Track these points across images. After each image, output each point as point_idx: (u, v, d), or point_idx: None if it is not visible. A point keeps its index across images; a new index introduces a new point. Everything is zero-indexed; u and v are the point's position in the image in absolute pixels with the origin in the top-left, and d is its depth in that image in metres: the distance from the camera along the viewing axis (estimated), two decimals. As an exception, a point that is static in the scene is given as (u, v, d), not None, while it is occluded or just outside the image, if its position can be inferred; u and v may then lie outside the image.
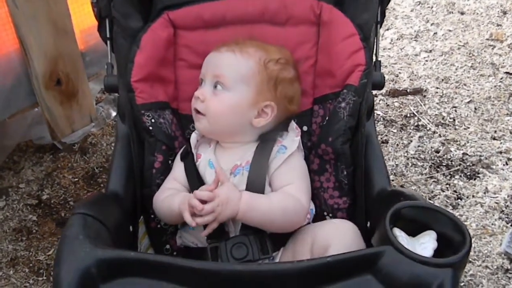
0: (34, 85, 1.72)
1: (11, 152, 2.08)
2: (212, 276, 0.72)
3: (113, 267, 0.72)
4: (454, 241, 0.80)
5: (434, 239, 0.81)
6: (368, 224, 1.05)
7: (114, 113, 2.21)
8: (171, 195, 1.11)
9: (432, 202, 1.93)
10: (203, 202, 0.99)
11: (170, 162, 1.20)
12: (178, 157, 1.20)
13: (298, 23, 1.26)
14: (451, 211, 1.88)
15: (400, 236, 0.80)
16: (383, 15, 1.22)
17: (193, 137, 1.20)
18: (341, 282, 0.72)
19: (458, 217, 1.85)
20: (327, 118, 1.22)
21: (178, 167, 1.17)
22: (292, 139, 1.16)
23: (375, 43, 1.22)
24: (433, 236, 0.82)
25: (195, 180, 1.12)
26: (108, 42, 1.20)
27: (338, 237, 1.01)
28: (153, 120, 1.16)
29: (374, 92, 1.21)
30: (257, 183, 1.07)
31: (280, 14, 1.25)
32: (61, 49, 1.73)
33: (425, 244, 0.80)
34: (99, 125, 2.16)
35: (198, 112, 1.15)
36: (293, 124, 1.20)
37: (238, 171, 1.11)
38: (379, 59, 1.23)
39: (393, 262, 0.73)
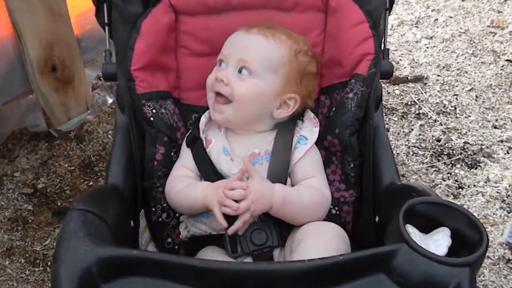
0: (28, 72, 1.67)
1: (5, 140, 2.03)
2: (219, 275, 0.69)
3: (114, 266, 0.69)
4: (468, 238, 0.78)
5: (448, 236, 0.79)
6: (377, 219, 1.02)
7: (110, 100, 2.16)
8: (188, 186, 1.08)
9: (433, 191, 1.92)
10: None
11: (172, 154, 1.16)
12: (184, 143, 1.16)
13: (305, 9, 1.21)
14: (452, 201, 1.88)
15: (413, 233, 0.78)
16: (392, 1, 1.18)
17: (203, 122, 1.16)
18: (353, 282, 0.70)
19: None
20: (333, 109, 1.18)
21: (186, 154, 1.13)
22: (311, 130, 1.14)
23: (384, 31, 1.18)
24: (446, 232, 0.79)
25: (207, 167, 1.09)
26: (107, 28, 1.14)
27: (316, 232, 1.00)
28: (154, 111, 1.12)
29: (386, 79, 1.17)
30: (279, 174, 1.06)
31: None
32: (56, 35, 1.67)
33: (439, 241, 0.77)
34: (95, 112, 2.12)
35: (220, 96, 1.09)
36: (310, 114, 1.18)
37: (257, 160, 1.08)
38: (387, 46, 1.19)
39: (408, 261, 0.71)
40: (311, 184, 1.08)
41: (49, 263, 1.66)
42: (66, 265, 0.67)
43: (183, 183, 1.09)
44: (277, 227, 1.06)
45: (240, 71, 1.08)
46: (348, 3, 1.17)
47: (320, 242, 0.97)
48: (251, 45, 1.09)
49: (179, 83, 1.22)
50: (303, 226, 1.04)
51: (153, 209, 1.13)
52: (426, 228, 0.82)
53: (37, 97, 1.75)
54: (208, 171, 1.08)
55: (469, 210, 1.82)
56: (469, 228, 0.77)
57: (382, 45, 1.18)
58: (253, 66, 1.08)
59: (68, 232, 0.73)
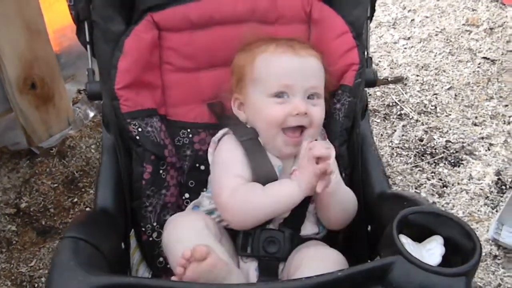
0: (7, 90, 1.63)
1: (-15, 159, 1.98)
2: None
3: (110, 295, 0.68)
4: (461, 246, 0.79)
5: (441, 245, 0.80)
6: (369, 228, 1.03)
7: (92, 114, 2.13)
8: (268, 188, 1.03)
9: (418, 191, 1.94)
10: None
11: (161, 171, 1.14)
12: (228, 143, 1.11)
13: (288, 21, 1.22)
14: (437, 200, 1.91)
15: (407, 243, 0.78)
16: (373, 10, 1.19)
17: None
18: (352, 297, 0.70)
19: (445, 205, 1.89)
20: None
21: (233, 164, 1.08)
22: (326, 141, 1.15)
23: (366, 39, 1.19)
24: (440, 241, 0.80)
25: (267, 164, 1.07)
26: (88, 46, 1.13)
27: (312, 259, 0.99)
28: (140, 129, 1.10)
29: (371, 87, 1.18)
30: None
31: (270, 12, 1.21)
32: (35, 52, 1.65)
33: (432, 250, 0.78)
34: (77, 127, 2.08)
35: (296, 129, 1.07)
36: None
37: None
38: (370, 54, 1.20)
39: (404, 273, 0.72)
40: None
41: (36, 285, 1.62)
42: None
43: (257, 188, 1.04)
44: (291, 242, 1.06)
45: (310, 97, 1.08)
46: (330, 14, 1.18)
47: (318, 266, 0.94)
48: (311, 70, 1.09)
49: (165, 99, 1.21)
50: (303, 250, 1.04)
51: (143, 228, 1.11)
52: (419, 237, 0.83)
53: (16, 115, 1.71)
54: (267, 165, 1.06)
55: (455, 208, 1.88)
56: (461, 236, 0.78)
57: (365, 54, 1.19)
58: (321, 89, 1.09)
59: (59, 262, 0.71)
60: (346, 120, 1.14)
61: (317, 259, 0.99)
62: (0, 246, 1.73)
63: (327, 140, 1.16)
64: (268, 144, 1.10)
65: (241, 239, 1.05)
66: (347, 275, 0.71)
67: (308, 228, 1.09)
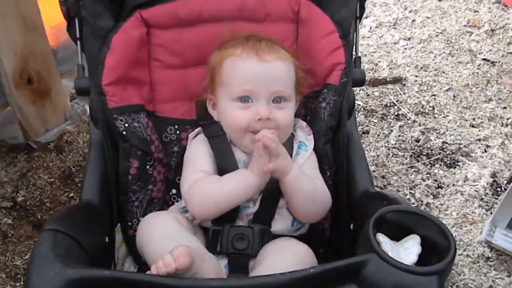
0: (3, 85, 1.65)
1: (-17, 153, 2.00)
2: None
3: (86, 287, 0.69)
4: (438, 245, 0.79)
5: (418, 244, 0.80)
6: (352, 226, 1.04)
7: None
8: (226, 178, 1.06)
9: (413, 192, 1.94)
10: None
11: (148, 167, 1.15)
12: (197, 141, 1.15)
13: (276, 20, 1.22)
14: (432, 200, 1.91)
15: (384, 241, 0.79)
16: (362, 10, 1.20)
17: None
18: (326, 293, 0.71)
19: (439, 206, 1.89)
20: (308, 118, 1.19)
21: (200, 159, 1.12)
22: (306, 137, 1.17)
23: (354, 39, 1.19)
24: (417, 240, 0.81)
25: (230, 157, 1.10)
26: (78, 42, 1.14)
27: (278, 252, 1.01)
28: (126, 125, 1.11)
29: (359, 87, 1.19)
30: None
31: (258, 11, 1.21)
32: (31, 47, 1.66)
33: (409, 249, 0.79)
34: (75, 122, 2.09)
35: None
36: (302, 122, 1.19)
37: None
38: (359, 54, 1.20)
39: (378, 271, 0.72)
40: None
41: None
42: (36, 288, 0.66)
43: (214, 179, 1.08)
44: (261, 237, 1.07)
45: (275, 101, 1.09)
46: (318, 14, 1.19)
47: (283, 259, 0.99)
48: (275, 74, 1.09)
49: (153, 96, 1.22)
50: (270, 244, 1.06)
51: (129, 223, 1.13)
52: (398, 236, 0.84)
53: (13, 110, 1.73)
54: (231, 160, 1.09)
55: (449, 209, 1.87)
56: (438, 236, 0.79)
57: (354, 54, 1.20)
58: (287, 92, 1.10)
59: (38, 254, 0.72)
60: (331, 119, 1.14)
61: (283, 251, 1.01)
62: (-4, 239, 1.75)
63: (312, 136, 1.16)
64: (236, 143, 1.13)
65: (211, 237, 1.07)
66: (320, 271, 0.72)
67: (280, 223, 1.10)
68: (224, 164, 1.10)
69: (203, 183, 1.07)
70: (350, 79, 1.14)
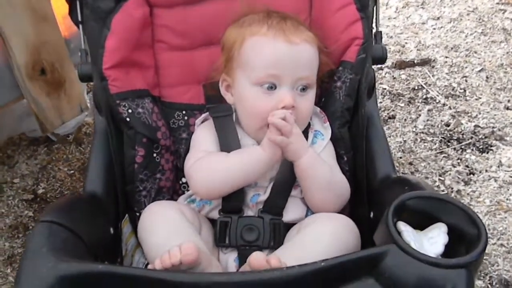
0: (17, 77, 1.63)
1: (5, 146, 2.02)
2: None
3: (80, 283, 0.64)
4: (467, 234, 0.71)
5: (444, 233, 0.72)
6: (371, 214, 0.96)
7: (108, 101, 2.13)
8: (232, 154, 1.01)
9: (442, 178, 1.84)
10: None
11: (155, 155, 1.10)
12: (204, 125, 1.10)
13: None
14: (463, 187, 1.80)
15: (406, 231, 0.71)
16: (382, -20, 1.10)
17: None
18: (339, 288, 0.64)
19: (471, 193, 1.78)
20: (323, 100, 1.11)
21: (204, 140, 1.07)
22: (322, 125, 1.10)
23: (374, 12, 1.10)
24: (443, 229, 0.72)
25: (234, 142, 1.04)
26: (80, 26, 1.10)
27: (326, 218, 0.96)
28: (130, 111, 1.06)
29: (379, 65, 1.09)
30: None
31: None
32: (42, 37, 1.63)
33: (434, 239, 0.71)
34: (93, 114, 2.08)
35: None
36: (316, 108, 1.11)
37: None
38: (379, 29, 1.11)
39: (398, 264, 0.64)
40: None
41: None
42: (27, 285, 0.62)
43: (221, 154, 1.02)
44: (273, 228, 1.01)
45: (299, 89, 1.02)
46: (333, -16, 1.10)
47: (329, 227, 0.93)
48: (304, 58, 1.01)
49: (158, 80, 1.16)
50: (311, 216, 1.00)
51: (138, 214, 1.08)
52: (422, 224, 0.75)
53: (28, 102, 1.72)
54: (234, 141, 1.03)
55: (481, 196, 1.77)
56: (466, 223, 0.70)
57: (374, 28, 1.10)
58: (312, 79, 1.03)
59: (31, 248, 0.68)
60: (348, 99, 1.06)
61: (328, 219, 0.96)
62: (17, 231, 1.76)
63: (328, 123, 1.09)
64: (250, 131, 1.06)
65: (218, 229, 1.01)
66: (333, 264, 0.65)
67: (292, 213, 1.04)
68: (227, 145, 1.03)
69: (208, 158, 1.01)
70: (369, 56, 1.05)
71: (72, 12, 1.10)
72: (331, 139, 1.09)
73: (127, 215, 1.07)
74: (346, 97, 1.06)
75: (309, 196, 1.02)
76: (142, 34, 1.10)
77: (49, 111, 1.77)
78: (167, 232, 0.91)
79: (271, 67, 0.99)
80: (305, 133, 1.06)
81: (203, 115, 1.13)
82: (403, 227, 0.72)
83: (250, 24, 1.04)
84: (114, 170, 1.03)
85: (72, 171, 1.96)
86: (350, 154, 1.08)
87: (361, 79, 1.04)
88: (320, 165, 1.00)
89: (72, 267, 0.64)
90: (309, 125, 1.09)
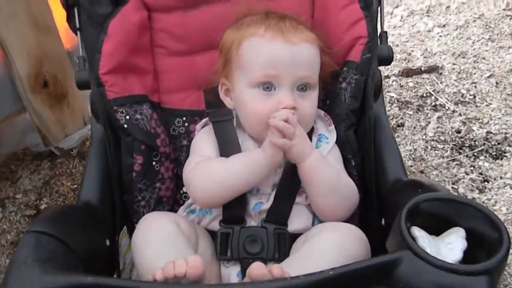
0: (19, 89, 1.62)
1: (8, 161, 2.00)
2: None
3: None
4: (487, 239, 0.65)
5: (462, 238, 0.67)
6: (383, 221, 0.90)
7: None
8: (233, 158, 0.97)
9: (456, 187, 1.78)
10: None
11: (154, 163, 1.06)
12: (204, 130, 1.07)
13: None
14: (477, 195, 1.74)
15: (421, 236, 0.66)
16: (386, -21, 1.07)
17: None
18: (350, 299, 0.58)
19: (486, 201, 1.72)
20: (327, 102, 1.07)
21: (205, 145, 1.03)
22: (327, 128, 1.06)
23: (378, 13, 1.06)
24: (461, 234, 0.67)
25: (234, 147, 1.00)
26: (78, 33, 1.07)
27: (332, 227, 0.90)
28: (128, 117, 1.02)
29: (386, 72, 1.05)
30: None
31: None
32: (44, 49, 1.62)
33: (452, 245, 0.65)
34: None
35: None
36: (320, 111, 1.07)
37: (283, 163, 1.00)
38: (384, 30, 1.07)
39: (413, 271, 0.59)
40: None
41: None
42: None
43: (220, 159, 0.99)
44: (277, 238, 0.96)
45: (300, 89, 0.98)
46: (335, -17, 1.07)
47: (336, 238, 0.87)
48: (303, 58, 0.97)
49: (158, 85, 1.13)
50: (317, 225, 0.95)
51: (136, 225, 1.03)
52: (437, 229, 0.70)
53: (30, 115, 1.70)
54: (234, 147, 0.99)
55: (497, 204, 1.70)
56: (486, 227, 0.65)
57: (379, 29, 1.07)
58: (313, 79, 0.99)
59: (16, 259, 0.64)
60: (353, 101, 1.02)
61: (335, 228, 0.90)
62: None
63: (333, 126, 1.05)
64: (253, 136, 1.02)
65: (219, 241, 0.96)
66: (342, 273, 0.60)
67: (298, 221, 0.98)
68: (227, 150, 0.99)
69: (207, 163, 0.97)
70: (375, 56, 1.01)
71: (70, 19, 1.08)
72: (337, 142, 1.05)
73: (125, 227, 1.03)
74: (352, 98, 1.02)
75: (315, 201, 0.97)
76: (140, 38, 1.08)
77: (52, 124, 1.75)
78: (159, 245, 0.86)
79: (269, 67, 0.96)
80: (309, 137, 1.01)
81: (204, 120, 1.09)
82: (417, 232, 0.67)
83: (248, 25, 1.01)
84: (111, 179, 0.98)
85: (75, 186, 1.94)
86: (357, 158, 1.03)
87: (367, 79, 1.00)
88: (326, 166, 0.95)
89: (58, 279, 0.60)
90: (313, 128, 1.05)
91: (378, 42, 1.06)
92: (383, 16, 1.06)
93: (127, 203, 1.04)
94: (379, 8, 1.07)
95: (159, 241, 0.87)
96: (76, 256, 0.71)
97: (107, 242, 0.89)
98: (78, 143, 2.03)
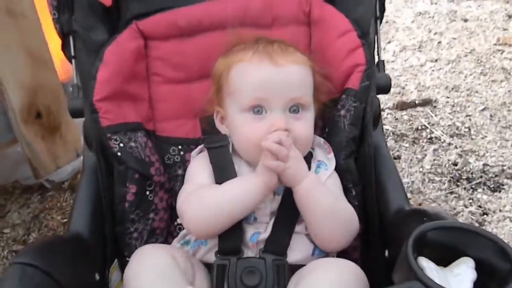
0: (11, 120, 1.60)
1: (-3, 194, 1.95)
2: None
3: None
4: (497, 269, 0.62)
5: (472, 268, 0.63)
6: (387, 253, 0.87)
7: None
8: (226, 184, 0.95)
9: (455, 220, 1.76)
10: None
11: (148, 193, 1.03)
12: (199, 157, 1.04)
13: (285, 23, 1.11)
14: (477, 229, 1.72)
15: (428, 267, 0.62)
16: (382, 9, 1.07)
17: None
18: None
19: (486, 235, 1.69)
20: (326, 130, 1.06)
21: (200, 173, 1.01)
22: (326, 156, 1.04)
23: (375, 41, 1.07)
24: (470, 264, 0.64)
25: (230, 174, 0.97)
26: (73, 61, 1.06)
27: (328, 265, 0.87)
28: (121, 145, 1.00)
29: (381, 105, 1.05)
30: None
31: (265, 15, 1.11)
32: (39, 80, 1.61)
33: (461, 276, 0.62)
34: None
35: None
36: (320, 139, 1.06)
37: (280, 189, 0.98)
38: (382, 58, 1.07)
39: (423, 303, 0.56)
40: None
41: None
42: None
43: (212, 186, 0.96)
44: (276, 270, 0.92)
45: (292, 111, 0.97)
46: (331, 12, 1.08)
47: (333, 277, 0.83)
48: (292, 79, 0.97)
49: (153, 113, 1.11)
50: (312, 262, 0.91)
51: (128, 258, 0.98)
52: (444, 259, 0.67)
53: (22, 146, 1.67)
54: (230, 173, 0.97)
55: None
56: (497, 257, 0.62)
57: (376, 57, 1.07)
58: (305, 100, 0.98)
59: (1, 293, 0.60)
60: (353, 129, 1.00)
61: (331, 266, 0.86)
62: (4, 285, 1.65)
63: (332, 154, 1.03)
64: (249, 161, 1.00)
65: (215, 273, 0.91)
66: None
67: (298, 252, 0.94)
68: (222, 177, 0.97)
69: (199, 192, 0.94)
70: (373, 83, 1.00)
71: (65, 47, 1.07)
72: (337, 171, 1.02)
73: (116, 260, 0.98)
74: (351, 126, 1.00)
75: (313, 227, 0.94)
76: (136, 66, 1.07)
77: (44, 155, 1.71)
78: (155, 279, 0.82)
79: (258, 90, 0.95)
80: (308, 163, 0.99)
81: (199, 147, 1.07)
82: (425, 263, 0.63)
83: (237, 51, 1.01)
84: (103, 210, 0.95)
85: (65, 220, 1.88)
86: (358, 187, 1.00)
87: (365, 107, 0.99)
88: (323, 190, 0.93)
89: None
90: (312, 155, 1.03)
91: (376, 70, 1.05)
92: (379, 45, 1.07)
93: (118, 235, 0.99)
94: (375, 38, 1.07)
95: (154, 274, 0.83)
96: (63, 290, 0.67)
97: (97, 276, 0.85)
98: (70, 176, 1.99)
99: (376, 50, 1.08)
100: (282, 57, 0.96)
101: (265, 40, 1.01)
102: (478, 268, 0.64)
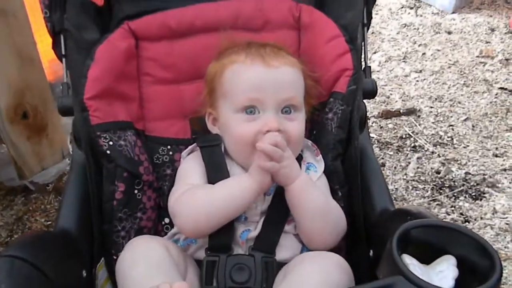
0: (-4, 120, 1.58)
1: (-21, 197, 1.92)
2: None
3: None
4: (479, 267, 0.64)
5: (454, 266, 0.65)
6: (371, 253, 0.88)
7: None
8: (219, 185, 0.95)
9: (437, 227, 1.79)
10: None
11: (136, 191, 1.03)
12: (191, 157, 1.05)
13: (275, 27, 1.14)
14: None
15: (412, 264, 0.64)
16: (369, 17, 1.10)
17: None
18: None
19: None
20: (314, 132, 1.08)
21: (192, 172, 1.01)
22: (314, 158, 1.06)
23: (363, 47, 1.10)
24: (452, 262, 0.66)
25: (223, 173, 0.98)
26: (64, 60, 1.06)
27: (314, 257, 0.89)
28: (111, 143, 1.00)
29: (370, 98, 1.07)
30: None
31: (256, 18, 1.13)
32: (27, 80, 1.60)
33: (443, 273, 0.64)
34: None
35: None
36: (306, 141, 1.07)
37: (271, 190, 0.99)
38: (368, 64, 1.10)
39: (406, 298, 0.57)
40: None
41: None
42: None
43: (205, 186, 0.97)
44: (265, 267, 0.93)
45: (285, 112, 0.98)
46: (321, 18, 1.10)
47: (317, 267, 0.85)
48: (285, 80, 0.98)
49: (143, 113, 1.12)
50: (298, 256, 0.93)
51: (115, 257, 0.99)
52: (427, 257, 0.69)
53: (7, 146, 1.65)
54: (223, 173, 0.98)
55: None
56: (478, 254, 0.64)
57: (363, 63, 1.09)
58: (297, 100, 0.99)
59: (-13, 285, 0.59)
60: (340, 131, 1.03)
61: (316, 259, 0.88)
62: (-16, 287, 1.62)
63: (320, 156, 1.05)
64: (242, 162, 1.01)
65: (205, 269, 0.92)
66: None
67: (286, 250, 0.96)
68: (215, 177, 0.97)
69: (192, 192, 0.95)
70: (360, 88, 1.03)
71: (56, 46, 1.07)
72: (324, 172, 1.04)
73: (102, 258, 0.98)
74: (338, 128, 1.03)
75: (302, 226, 0.95)
76: (126, 65, 1.07)
77: (29, 156, 1.70)
78: (147, 267, 0.82)
79: (251, 91, 0.96)
80: (299, 164, 1.01)
81: (190, 147, 1.07)
82: (408, 260, 0.65)
83: (230, 54, 1.02)
84: (91, 207, 0.95)
85: (49, 222, 1.86)
86: (344, 189, 1.02)
87: (352, 111, 1.01)
88: (314, 189, 0.94)
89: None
90: (301, 157, 1.04)
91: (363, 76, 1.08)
92: (366, 50, 1.10)
93: (106, 233, 0.99)
94: (363, 44, 1.10)
95: (147, 263, 0.83)
96: (51, 284, 0.66)
97: (84, 273, 0.84)
98: (55, 178, 1.97)
99: (363, 56, 1.11)
100: (275, 59, 0.98)
101: (257, 43, 1.03)
102: (460, 265, 0.66)
